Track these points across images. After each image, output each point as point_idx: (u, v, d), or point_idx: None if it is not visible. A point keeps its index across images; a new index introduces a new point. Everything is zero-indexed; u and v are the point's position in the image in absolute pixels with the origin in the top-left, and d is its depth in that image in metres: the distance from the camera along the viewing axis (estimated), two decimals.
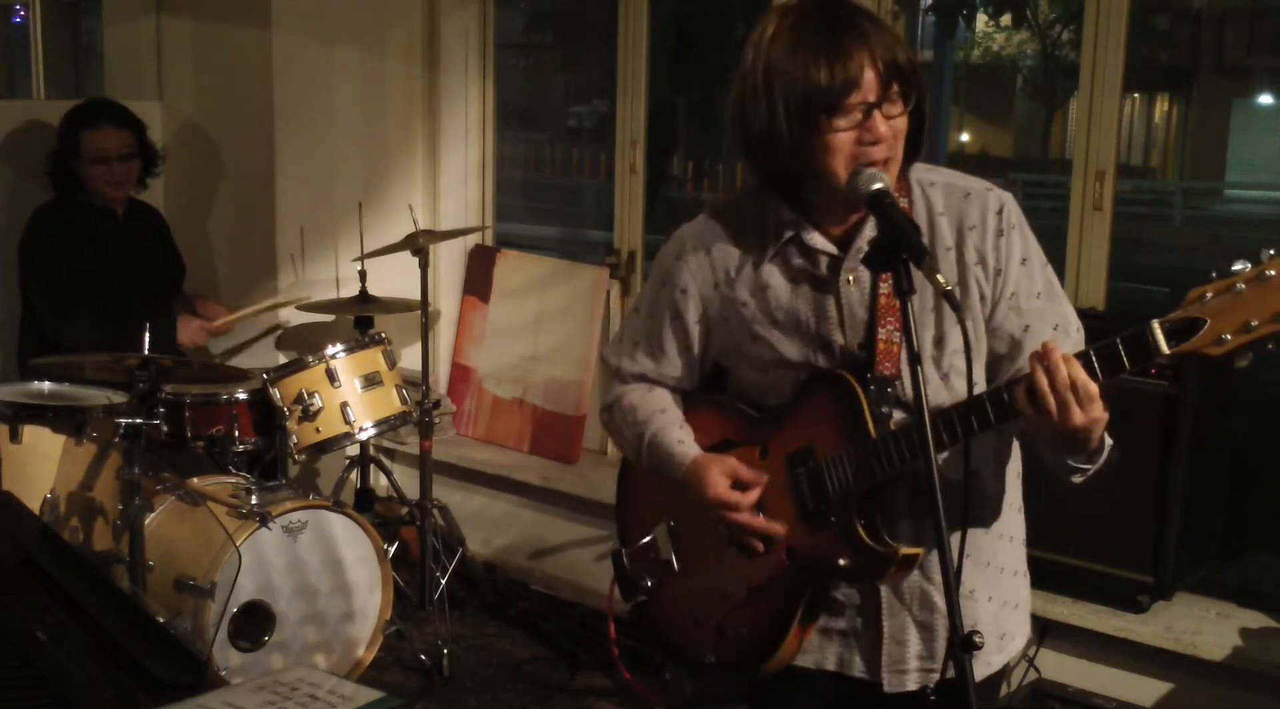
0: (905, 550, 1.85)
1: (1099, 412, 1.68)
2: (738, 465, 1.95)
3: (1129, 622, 3.37)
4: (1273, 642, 3.30)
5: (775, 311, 1.94)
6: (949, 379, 1.90)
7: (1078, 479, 1.85)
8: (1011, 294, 1.90)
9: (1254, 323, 1.58)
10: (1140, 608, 3.37)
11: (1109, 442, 1.81)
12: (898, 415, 1.88)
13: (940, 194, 1.92)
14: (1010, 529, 2.03)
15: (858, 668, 1.98)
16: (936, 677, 1.94)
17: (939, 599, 1.94)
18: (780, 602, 1.96)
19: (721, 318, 2.00)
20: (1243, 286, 1.59)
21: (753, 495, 1.93)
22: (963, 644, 1.64)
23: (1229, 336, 1.59)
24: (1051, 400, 1.67)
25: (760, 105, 1.84)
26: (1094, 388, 1.67)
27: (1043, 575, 3.39)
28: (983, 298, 1.90)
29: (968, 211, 1.90)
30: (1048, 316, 1.90)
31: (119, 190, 4.38)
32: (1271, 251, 1.59)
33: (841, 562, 1.88)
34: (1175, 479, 3.25)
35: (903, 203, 1.90)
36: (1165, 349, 1.62)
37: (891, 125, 1.81)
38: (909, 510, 1.92)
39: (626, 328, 2.15)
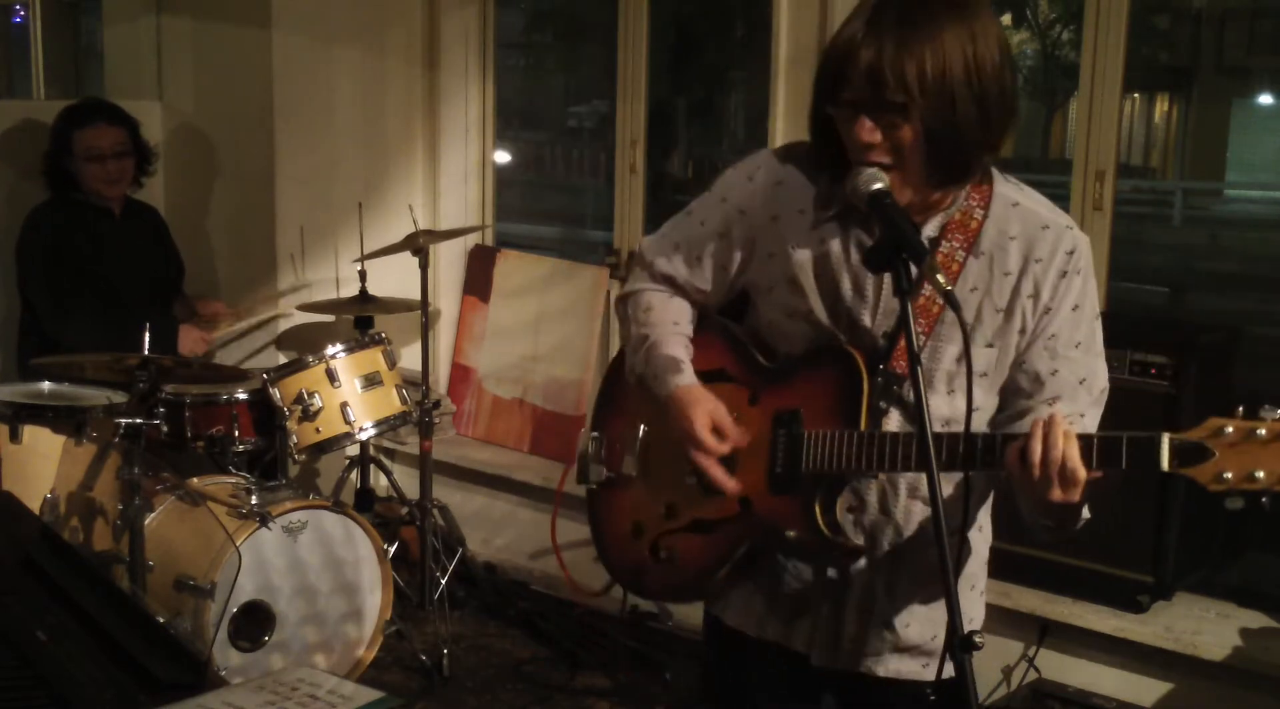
0: (853, 544, 1.88)
1: (1076, 496, 1.69)
2: (724, 415, 1.94)
3: (1129, 622, 3.37)
4: (1273, 642, 3.30)
5: (819, 267, 1.91)
6: (955, 397, 1.89)
7: (1043, 536, 1.88)
8: (1051, 335, 1.88)
9: (1259, 474, 1.58)
10: (1140, 608, 3.37)
11: (1086, 516, 1.83)
12: (895, 415, 1.88)
13: (1019, 219, 1.88)
14: (976, 547, 2.04)
15: (796, 641, 2.01)
16: (866, 662, 1.99)
17: (883, 593, 1.96)
18: (718, 545, 1.98)
19: (767, 252, 1.96)
20: (1263, 434, 1.58)
21: (725, 448, 1.93)
22: (963, 644, 1.64)
23: (1230, 477, 1.59)
24: (1038, 472, 1.68)
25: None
26: (1082, 474, 1.67)
27: (1043, 575, 3.44)
28: (1023, 330, 1.88)
29: (1039, 243, 1.87)
30: (1078, 368, 1.89)
31: (114, 188, 4.38)
32: None
33: (790, 533, 1.89)
34: (1175, 479, 3.24)
35: (978, 215, 1.87)
36: (1166, 466, 1.63)
37: (892, 137, 1.77)
38: (877, 508, 1.93)
39: (672, 227, 2.10)
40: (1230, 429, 1.59)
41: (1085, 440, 1.67)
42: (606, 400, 2.23)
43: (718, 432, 1.93)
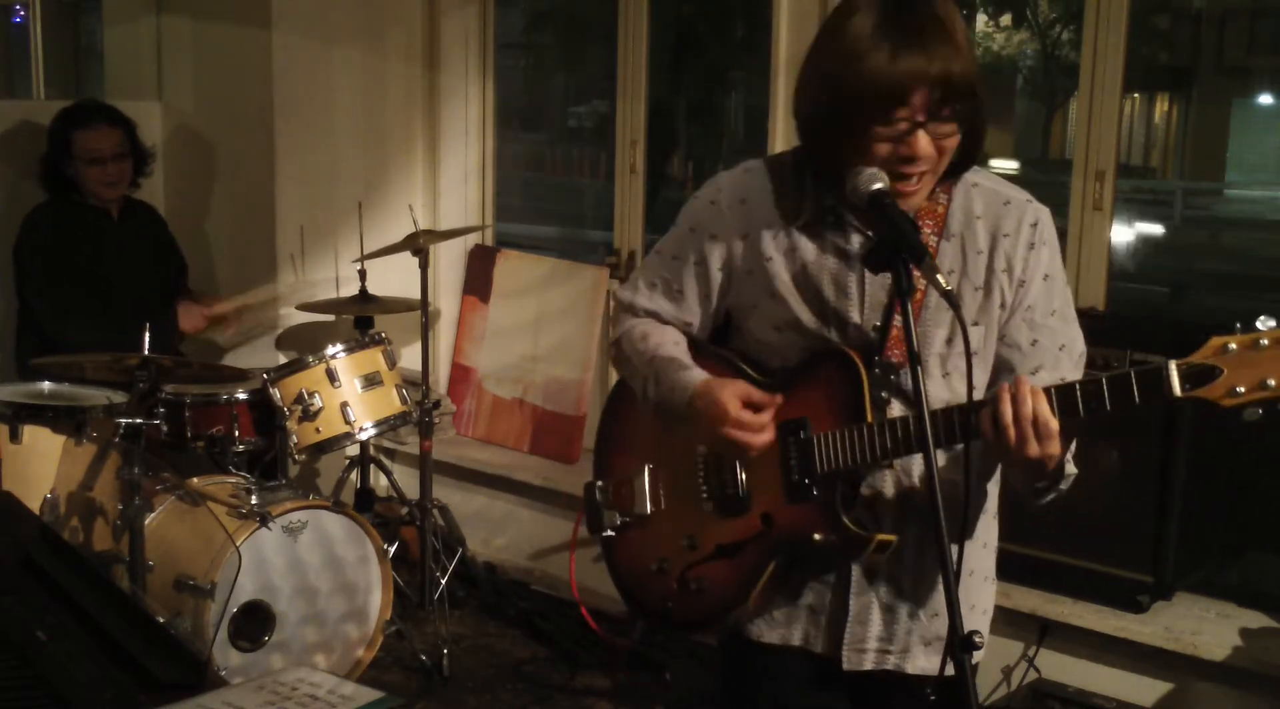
0: (881, 537, 1.87)
1: (1054, 448, 1.72)
2: (749, 387, 1.93)
3: (1129, 622, 3.37)
4: (1273, 642, 3.30)
5: (798, 276, 1.93)
6: (950, 378, 1.92)
7: (1036, 501, 1.89)
8: (1028, 306, 1.92)
9: (1271, 382, 1.59)
10: (1140, 608, 3.37)
11: (1072, 470, 1.85)
12: (896, 404, 1.89)
13: (981, 197, 1.94)
14: (986, 535, 2.06)
15: (820, 644, 2.00)
16: (893, 659, 1.98)
17: (908, 585, 1.97)
18: (747, 565, 1.97)
19: (745, 270, 1.98)
20: (1266, 343, 1.60)
21: (766, 416, 1.90)
22: (963, 644, 1.64)
23: (1243, 390, 1.60)
24: (1012, 432, 1.71)
25: (818, 90, 1.84)
26: (1054, 425, 1.70)
27: (1043, 575, 3.44)
28: (1003, 305, 1.92)
29: (1005, 219, 1.92)
30: (1057, 336, 1.93)
31: (113, 190, 4.38)
32: None
33: (817, 537, 1.89)
34: (1176, 478, 3.24)
35: (943, 200, 1.91)
36: (1178, 391, 1.64)
37: (940, 145, 1.80)
38: (895, 498, 1.93)
39: (646, 268, 2.12)
40: (1234, 345, 1.62)
41: (1093, 384, 1.69)
42: (606, 445, 2.23)
43: (752, 407, 1.91)
